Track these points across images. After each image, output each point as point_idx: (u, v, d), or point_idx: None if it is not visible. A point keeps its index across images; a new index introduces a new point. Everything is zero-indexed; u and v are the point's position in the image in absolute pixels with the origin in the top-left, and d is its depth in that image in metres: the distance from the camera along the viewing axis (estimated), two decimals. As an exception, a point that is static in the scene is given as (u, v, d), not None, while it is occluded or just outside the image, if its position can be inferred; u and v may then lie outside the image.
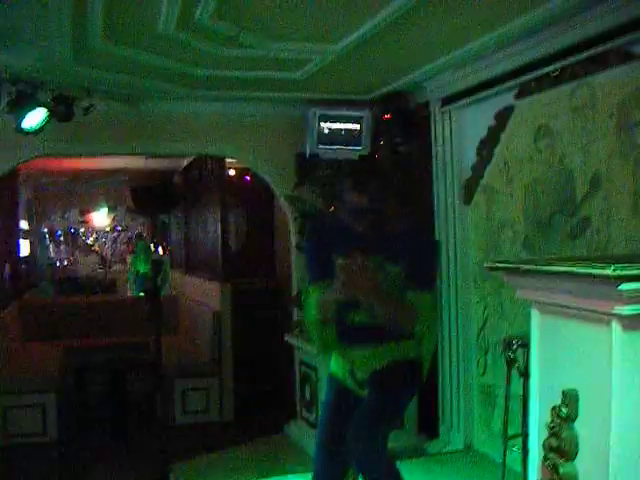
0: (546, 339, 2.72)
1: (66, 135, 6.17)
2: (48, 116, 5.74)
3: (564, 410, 2.50)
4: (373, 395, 3.91)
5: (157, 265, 3.61)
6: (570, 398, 2.49)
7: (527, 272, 2.69)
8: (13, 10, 4.17)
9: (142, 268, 11.67)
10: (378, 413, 3.86)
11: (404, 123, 6.45)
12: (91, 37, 4.67)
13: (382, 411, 3.88)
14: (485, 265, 3.24)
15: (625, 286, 2.23)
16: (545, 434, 2.59)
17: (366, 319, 3.81)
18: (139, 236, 14.08)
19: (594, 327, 2.45)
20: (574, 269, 2.36)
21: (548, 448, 2.56)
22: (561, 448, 2.50)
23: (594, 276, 2.26)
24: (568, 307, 2.56)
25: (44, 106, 5.69)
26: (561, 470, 2.50)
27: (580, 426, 2.50)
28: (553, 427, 2.53)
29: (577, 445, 2.50)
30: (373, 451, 3.79)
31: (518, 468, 4.65)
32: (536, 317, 2.77)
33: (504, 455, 4.77)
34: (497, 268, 3.03)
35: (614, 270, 2.19)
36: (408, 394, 4.12)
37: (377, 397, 3.90)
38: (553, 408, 2.53)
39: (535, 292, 2.75)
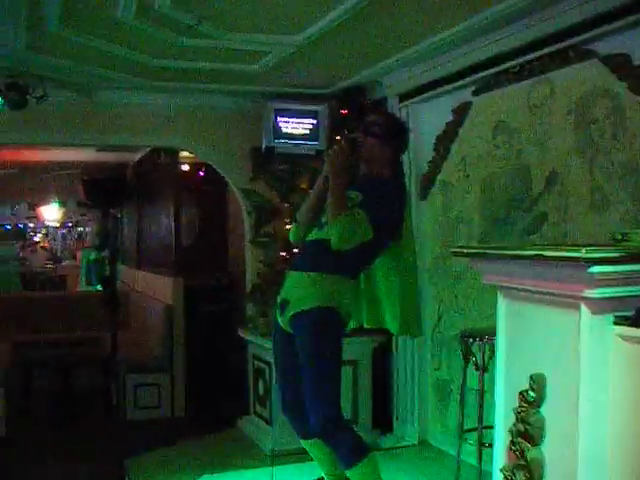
0: (512, 324, 2.72)
1: (19, 124, 6.10)
2: (1, 104, 5.64)
3: (532, 394, 2.50)
4: (300, 353, 3.97)
5: (113, 254, 3.56)
6: (538, 382, 2.49)
7: (494, 257, 2.68)
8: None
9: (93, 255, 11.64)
10: (311, 370, 3.93)
11: (361, 119, 6.43)
12: (48, 22, 4.59)
13: (313, 366, 3.93)
14: (451, 250, 3.22)
15: (595, 269, 2.23)
16: (512, 420, 2.59)
17: (317, 235, 4.01)
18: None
19: (562, 311, 2.45)
20: (543, 252, 2.35)
21: (515, 433, 2.56)
22: (528, 433, 2.50)
23: (565, 259, 2.27)
24: (536, 292, 2.56)
25: (-3, 94, 5.60)
26: (528, 455, 2.50)
27: (547, 411, 2.51)
28: (520, 412, 2.53)
29: (544, 430, 2.50)
30: (327, 419, 3.89)
31: (472, 461, 4.67)
32: (502, 303, 2.77)
33: (459, 448, 4.78)
34: (463, 253, 3.02)
35: (586, 252, 2.19)
36: (328, 341, 4.02)
37: (303, 353, 3.96)
38: (520, 393, 2.53)
39: (502, 277, 2.74)
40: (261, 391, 6.42)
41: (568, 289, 2.38)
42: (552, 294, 2.47)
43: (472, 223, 5.47)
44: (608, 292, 2.31)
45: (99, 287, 11.82)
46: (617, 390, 2.34)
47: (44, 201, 15.48)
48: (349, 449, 3.99)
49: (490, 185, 5.28)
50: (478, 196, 5.40)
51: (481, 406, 4.42)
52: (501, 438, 2.73)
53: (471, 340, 4.46)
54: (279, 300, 4.10)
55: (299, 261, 4.14)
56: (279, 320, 4.13)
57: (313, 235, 4.08)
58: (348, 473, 4.05)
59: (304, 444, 4.45)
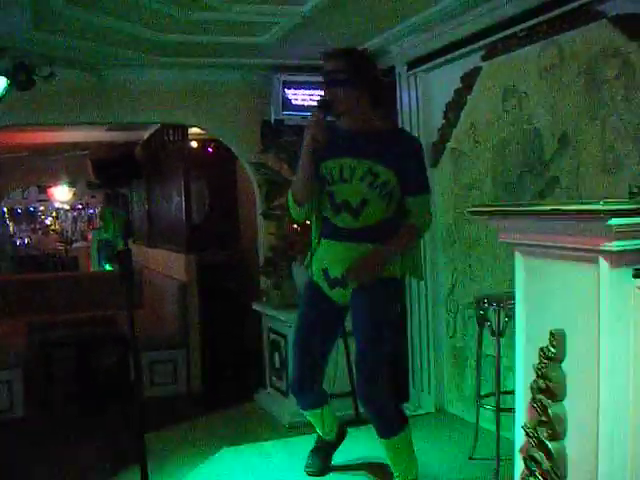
0: (531, 282, 2.71)
1: (26, 105, 6.04)
2: (8, 85, 5.61)
3: (552, 350, 2.49)
4: (358, 317, 4.02)
5: (127, 224, 3.55)
6: (557, 338, 2.48)
7: (511, 214, 2.67)
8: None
9: (109, 235, 11.62)
10: (369, 333, 3.95)
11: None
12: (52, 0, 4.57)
13: (372, 329, 3.96)
14: (467, 210, 3.22)
15: (615, 221, 2.21)
16: (532, 376, 2.59)
17: (351, 223, 3.95)
18: (106, 202, 13.93)
19: (580, 266, 2.44)
20: (561, 207, 2.34)
21: (536, 389, 2.56)
22: (550, 389, 2.50)
23: (583, 212, 2.25)
24: (553, 247, 2.55)
25: (4, 75, 5.56)
26: (550, 411, 2.50)
27: (568, 366, 2.51)
28: (541, 368, 2.53)
29: (565, 385, 2.50)
30: (376, 380, 3.95)
31: (489, 427, 4.70)
32: (520, 260, 2.76)
33: (477, 414, 4.80)
34: (479, 212, 3.01)
35: (604, 204, 2.18)
36: (390, 307, 4.15)
37: (362, 317, 4.00)
38: (541, 349, 2.53)
39: (519, 235, 2.73)
40: (277, 364, 6.44)
41: (586, 243, 2.37)
42: (570, 249, 2.46)
43: (483, 189, 5.45)
44: (627, 245, 2.29)
45: (108, 267, 11.94)
46: (638, 343, 2.33)
47: (54, 183, 15.48)
48: (391, 418, 4.02)
49: (501, 151, 5.25)
50: (489, 162, 5.38)
51: (498, 371, 4.43)
52: (522, 395, 2.73)
53: (486, 306, 4.46)
54: (337, 274, 4.01)
55: (346, 233, 4.00)
56: (332, 293, 4.10)
57: (353, 223, 3.97)
58: (386, 442, 4.07)
59: (308, 414, 4.46)
